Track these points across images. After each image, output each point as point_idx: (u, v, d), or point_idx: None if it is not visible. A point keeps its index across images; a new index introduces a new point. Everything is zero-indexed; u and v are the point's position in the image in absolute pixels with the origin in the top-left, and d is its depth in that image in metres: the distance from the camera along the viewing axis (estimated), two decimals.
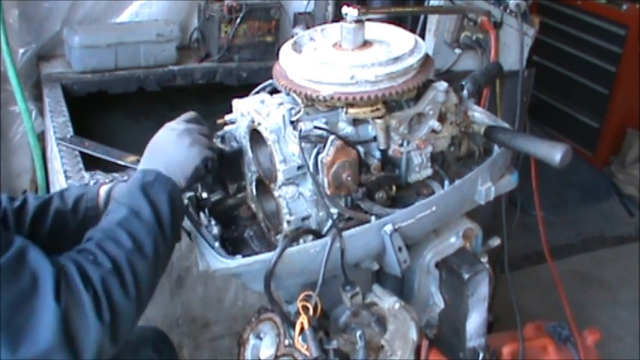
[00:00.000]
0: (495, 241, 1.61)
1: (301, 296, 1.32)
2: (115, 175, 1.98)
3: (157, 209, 1.22)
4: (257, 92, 1.47)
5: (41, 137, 2.70)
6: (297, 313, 1.32)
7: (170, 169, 1.28)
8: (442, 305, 1.55)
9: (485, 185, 1.44)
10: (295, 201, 1.33)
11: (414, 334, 1.48)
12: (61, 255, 1.14)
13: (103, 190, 1.49)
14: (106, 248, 1.15)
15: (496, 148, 1.48)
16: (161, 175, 1.27)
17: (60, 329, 1.05)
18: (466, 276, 1.46)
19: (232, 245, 1.39)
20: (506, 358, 1.73)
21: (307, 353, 1.30)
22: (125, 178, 1.97)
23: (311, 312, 1.31)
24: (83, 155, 2.12)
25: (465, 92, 1.48)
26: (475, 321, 1.51)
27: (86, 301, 1.08)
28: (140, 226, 1.20)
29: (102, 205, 1.47)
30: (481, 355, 1.54)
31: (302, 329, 1.31)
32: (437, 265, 1.52)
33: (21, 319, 1.05)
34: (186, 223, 1.40)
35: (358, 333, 1.37)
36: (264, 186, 1.39)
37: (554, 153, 1.31)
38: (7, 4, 2.55)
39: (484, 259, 1.52)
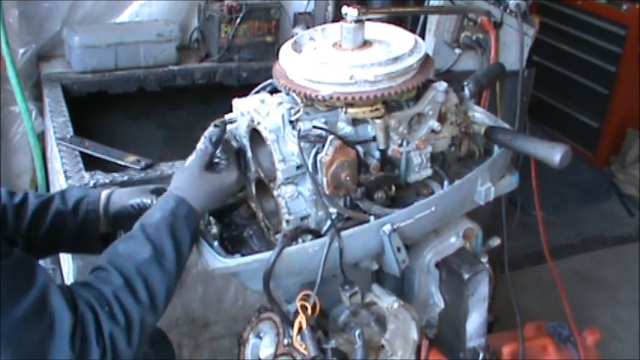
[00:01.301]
0: (495, 241, 1.61)
1: (300, 295, 1.32)
2: (115, 175, 1.98)
3: (180, 252, 1.26)
4: (257, 92, 1.46)
5: (41, 137, 2.70)
6: (296, 313, 1.32)
7: (202, 202, 1.31)
8: (442, 305, 1.55)
9: (485, 186, 1.43)
10: (294, 200, 1.33)
11: (414, 334, 1.48)
12: (79, 293, 1.16)
13: (104, 195, 1.49)
14: (122, 300, 1.17)
15: (496, 149, 1.48)
16: (192, 211, 1.29)
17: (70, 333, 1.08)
18: (466, 276, 1.46)
19: (232, 244, 1.39)
20: (506, 358, 1.73)
21: (305, 352, 1.30)
22: (125, 178, 1.97)
23: (309, 311, 1.31)
24: (83, 155, 2.12)
25: (466, 92, 1.48)
26: (475, 321, 1.51)
27: (95, 355, 1.12)
28: (159, 277, 1.22)
29: (102, 209, 1.47)
30: (481, 355, 1.54)
31: (300, 328, 1.31)
32: (437, 265, 1.52)
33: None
34: None
35: (357, 332, 1.37)
36: (263, 185, 1.39)
37: (554, 154, 1.31)
38: (7, 4, 2.55)
39: (484, 259, 1.52)
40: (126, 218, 1.43)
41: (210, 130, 1.34)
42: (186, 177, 1.33)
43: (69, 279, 2.15)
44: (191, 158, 1.35)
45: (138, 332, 1.18)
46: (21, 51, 2.69)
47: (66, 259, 2.21)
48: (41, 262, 2.42)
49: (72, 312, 1.11)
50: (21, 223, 1.43)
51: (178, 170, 1.36)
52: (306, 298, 1.32)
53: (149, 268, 1.21)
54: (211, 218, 1.39)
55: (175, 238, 1.25)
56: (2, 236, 1.16)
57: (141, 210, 1.40)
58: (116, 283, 1.19)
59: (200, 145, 1.34)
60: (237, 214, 1.49)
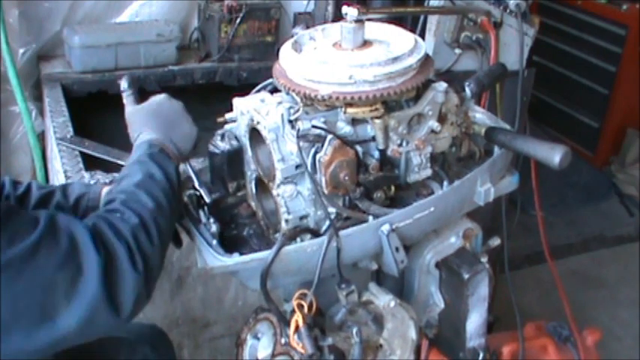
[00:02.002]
0: (495, 241, 1.61)
1: (297, 294, 1.32)
2: (115, 175, 1.98)
3: (167, 173, 1.29)
4: (257, 91, 1.47)
5: (41, 137, 2.70)
6: (292, 312, 1.33)
7: (177, 142, 1.35)
8: (442, 305, 1.55)
9: (484, 186, 1.44)
10: (293, 200, 1.33)
11: (413, 334, 1.48)
12: (88, 218, 1.20)
13: (104, 191, 1.49)
14: (131, 206, 1.22)
15: (496, 150, 1.48)
16: (166, 148, 1.33)
17: (103, 281, 1.09)
18: (466, 276, 1.46)
19: (232, 243, 1.39)
20: (506, 358, 1.73)
21: (302, 351, 1.30)
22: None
23: (306, 310, 1.31)
24: (83, 155, 2.12)
25: (467, 93, 1.48)
26: (475, 321, 1.51)
27: (121, 253, 1.14)
28: (157, 187, 1.26)
29: (102, 206, 1.47)
30: (481, 355, 1.54)
31: (297, 327, 1.31)
32: (437, 265, 1.52)
33: (68, 277, 1.08)
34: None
35: (354, 330, 1.37)
36: (263, 185, 1.40)
37: (554, 155, 1.31)
38: (7, 4, 2.55)
39: (484, 259, 1.52)
40: None
41: (122, 79, 1.46)
42: (133, 121, 1.40)
43: None
44: (127, 110, 1.43)
45: (155, 231, 1.20)
46: (21, 51, 2.69)
47: None
48: None
49: (84, 224, 1.14)
50: None
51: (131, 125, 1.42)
52: (303, 296, 1.32)
53: (145, 184, 1.26)
54: (211, 217, 1.39)
55: (158, 163, 1.30)
56: None
57: None
58: (120, 197, 1.24)
59: (124, 94, 1.45)
60: (237, 213, 1.49)
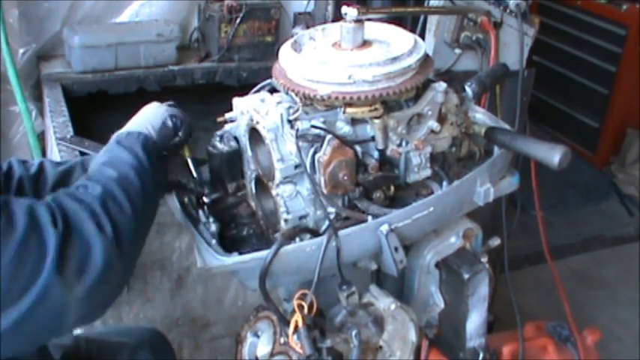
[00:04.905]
0: (495, 241, 1.61)
1: (297, 294, 1.32)
2: None
3: (134, 152, 1.25)
4: (257, 91, 1.47)
5: (41, 137, 2.70)
6: (293, 312, 1.32)
7: (140, 125, 1.33)
8: (442, 305, 1.55)
9: (484, 186, 1.43)
10: (293, 199, 1.33)
11: (413, 336, 1.47)
12: (54, 196, 1.15)
13: None
14: (95, 178, 1.18)
15: (496, 150, 1.48)
16: (132, 131, 1.31)
17: (58, 255, 1.03)
18: (466, 276, 1.46)
19: (231, 243, 1.39)
20: (506, 358, 1.73)
21: (301, 351, 1.30)
22: None
23: (306, 310, 1.31)
24: (83, 155, 2.11)
25: (468, 93, 1.48)
26: (475, 321, 1.51)
27: (84, 220, 1.08)
28: (123, 164, 1.22)
29: None
30: (481, 355, 1.54)
31: (296, 327, 1.31)
32: (437, 265, 1.52)
33: (31, 259, 1.02)
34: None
35: (354, 332, 1.37)
36: (263, 184, 1.40)
37: (553, 155, 1.31)
38: (7, 4, 2.55)
39: (484, 259, 1.52)
40: None
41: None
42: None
43: None
44: None
45: (123, 197, 1.16)
46: (21, 51, 2.69)
47: None
48: None
49: (40, 202, 1.08)
50: (40, 197, 1.33)
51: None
52: (303, 297, 1.32)
53: (111, 162, 1.23)
54: (210, 217, 1.40)
55: (124, 145, 1.26)
56: None
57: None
58: (82, 178, 1.21)
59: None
60: (237, 213, 1.49)
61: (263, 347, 1.48)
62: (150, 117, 1.36)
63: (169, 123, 1.36)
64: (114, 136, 1.31)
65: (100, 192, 1.14)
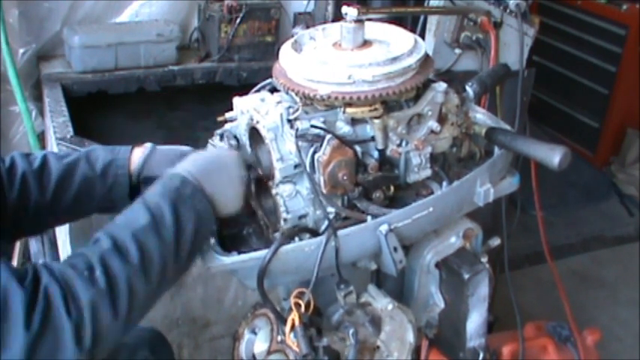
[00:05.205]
0: (495, 241, 1.61)
1: (294, 293, 1.32)
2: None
3: (180, 227, 1.14)
4: (257, 91, 1.47)
5: (41, 137, 2.70)
6: (290, 310, 1.32)
7: (216, 197, 1.23)
8: (442, 305, 1.55)
9: (484, 187, 1.43)
10: (292, 199, 1.33)
11: (410, 337, 1.47)
12: (49, 267, 1.04)
13: (136, 157, 1.40)
14: (107, 262, 1.05)
15: (496, 150, 1.48)
16: (197, 192, 1.19)
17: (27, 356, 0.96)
18: (466, 276, 1.46)
19: (231, 242, 1.39)
20: (506, 358, 1.73)
21: (297, 350, 1.30)
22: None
23: (303, 309, 1.31)
24: None
25: (469, 93, 1.48)
26: (475, 321, 1.51)
27: (66, 327, 0.99)
28: (155, 243, 1.11)
29: (135, 173, 1.39)
30: (481, 355, 1.54)
31: (293, 326, 1.31)
32: (437, 265, 1.52)
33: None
34: None
35: (351, 331, 1.37)
36: (263, 184, 1.39)
37: (553, 156, 1.31)
38: (7, 4, 2.55)
39: (484, 259, 1.52)
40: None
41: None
42: (191, 157, 1.28)
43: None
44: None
45: (126, 298, 1.04)
46: (21, 51, 2.70)
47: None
48: (37, 247, 2.42)
49: (23, 288, 0.98)
50: (45, 192, 1.33)
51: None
52: (300, 295, 1.32)
53: (144, 233, 1.10)
54: None
55: (177, 213, 1.14)
56: (23, 207, 1.08)
57: None
58: (104, 246, 1.07)
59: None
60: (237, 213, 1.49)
61: (260, 344, 1.48)
62: (231, 196, 1.27)
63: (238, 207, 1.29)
64: (177, 184, 1.18)
65: (102, 289, 1.03)
